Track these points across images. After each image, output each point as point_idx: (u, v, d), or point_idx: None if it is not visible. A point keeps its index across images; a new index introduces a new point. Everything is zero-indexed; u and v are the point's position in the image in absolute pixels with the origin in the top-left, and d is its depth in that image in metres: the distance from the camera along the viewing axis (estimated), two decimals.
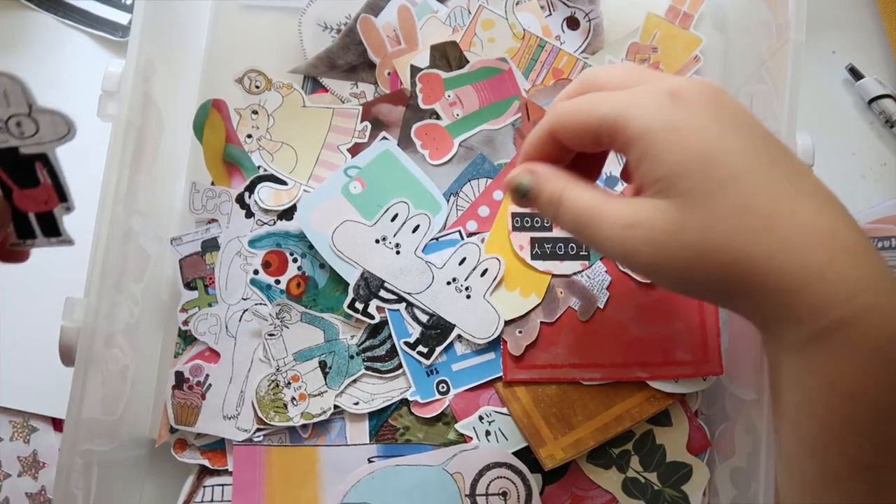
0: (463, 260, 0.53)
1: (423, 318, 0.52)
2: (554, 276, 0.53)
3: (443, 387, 0.52)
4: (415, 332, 0.52)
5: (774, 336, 0.32)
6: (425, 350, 0.52)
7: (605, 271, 0.52)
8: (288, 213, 0.55)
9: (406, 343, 0.52)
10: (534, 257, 0.53)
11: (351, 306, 0.52)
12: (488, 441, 0.51)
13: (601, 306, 0.52)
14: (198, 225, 0.56)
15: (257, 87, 0.57)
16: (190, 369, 0.53)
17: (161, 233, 0.55)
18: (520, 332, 0.52)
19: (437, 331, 0.52)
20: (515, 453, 0.51)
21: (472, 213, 0.55)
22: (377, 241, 0.53)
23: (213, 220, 0.55)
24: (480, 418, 0.52)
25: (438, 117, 0.56)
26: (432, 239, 0.53)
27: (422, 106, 0.57)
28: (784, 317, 0.31)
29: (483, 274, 0.52)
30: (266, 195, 0.55)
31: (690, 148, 0.31)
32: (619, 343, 0.51)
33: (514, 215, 0.54)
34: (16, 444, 0.58)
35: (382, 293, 0.52)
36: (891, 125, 0.61)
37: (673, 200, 0.32)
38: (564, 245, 0.53)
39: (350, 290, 0.52)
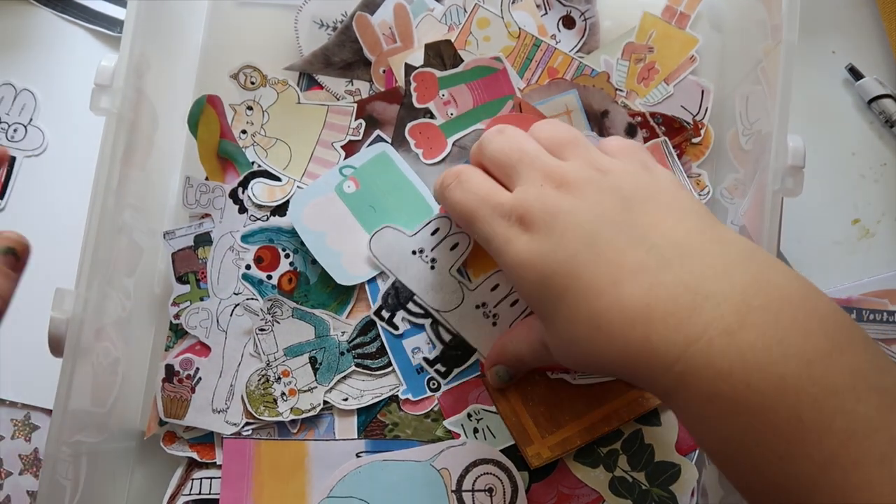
0: (496, 286, 0.52)
1: (446, 337, 0.52)
2: None
3: (433, 384, 0.52)
4: (436, 350, 0.52)
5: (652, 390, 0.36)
6: (443, 369, 0.52)
7: None
8: (281, 209, 0.55)
9: (425, 360, 0.52)
10: None
11: (377, 313, 0.52)
12: (476, 438, 0.51)
13: None
14: (191, 219, 0.56)
15: (252, 83, 0.57)
16: (180, 363, 0.53)
17: (154, 227, 0.56)
18: None
19: (458, 352, 0.52)
20: (503, 451, 0.51)
21: None
22: (413, 253, 0.53)
23: (207, 215, 0.55)
24: (469, 416, 0.52)
25: (432, 116, 0.57)
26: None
27: (416, 105, 0.57)
28: (645, 388, 0.37)
29: (513, 304, 0.52)
30: (260, 191, 0.55)
31: (530, 279, 0.38)
32: None
33: None
34: (17, 442, 0.59)
35: (410, 306, 0.52)
36: (891, 125, 0.60)
37: (542, 322, 0.41)
38: None
39: (379, 296, 0.52)
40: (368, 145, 0.56)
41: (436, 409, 0.52)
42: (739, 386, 0.30)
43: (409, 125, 0.56)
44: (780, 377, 0.30)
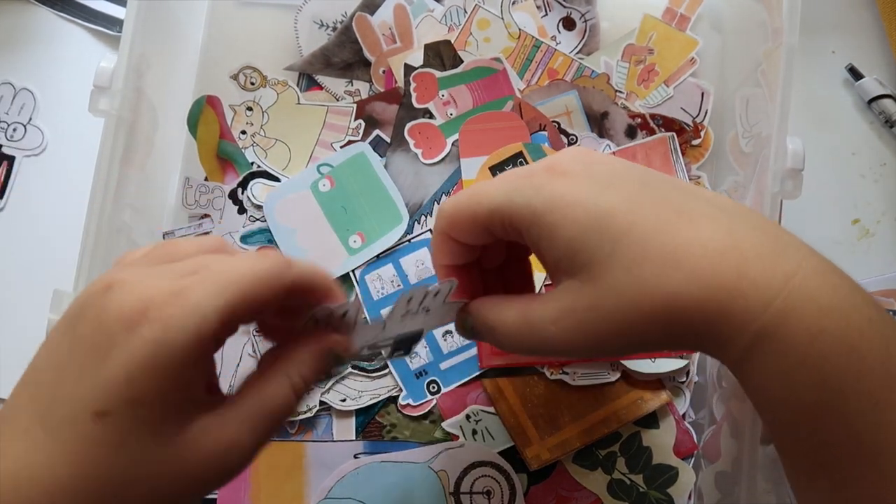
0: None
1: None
2: None
3: (433, 387, 0.52)
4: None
5: (719, 359, 0.32)
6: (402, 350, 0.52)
7: None
8: None
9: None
10: None
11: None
12: (475, 440, 0.51)
13: None
14: (190, 220, 0.56)
15: (252, 83, 0.57)
16: None
17: (154, 227, 0.56)
18: None
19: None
20: (501, 453, 0.51)
21: None
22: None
23: (206, 216, 0.55)
24: (468, 417, 0.52)
25: (432, 116, 0.57)
26: (380, 253, 0.54)
27: (415, 105, 0.57)
28: (715, 343, 0.30)
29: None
30: (259, 191, 0.55)
31: (577, 219, 0.31)
32: None
33: None
34: None
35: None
36: (891, 125, 0.60)
37: (579, 276, 0.31)
38: None
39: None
40: (342, 147, 0.57)
41: (434, 409, 0.52)
42: (841, 323, 0.29)
43: (408, 125, 0.56)
44: (869, 319, 0.29)
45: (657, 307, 0.30)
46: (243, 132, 0.57)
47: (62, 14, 0.62)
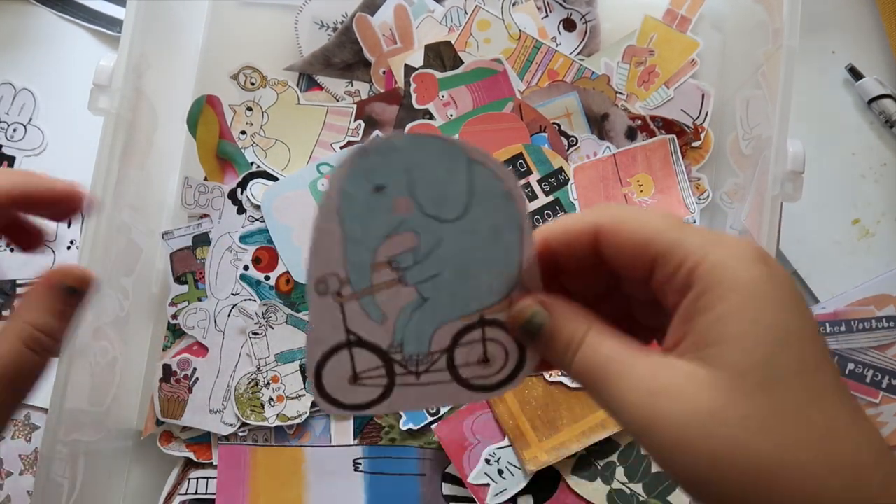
0: None
1: None
2: None
3: (432, 409, 0.52)
4: None
5: None
6: None
7: None
8: None
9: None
10: None
11: None
12: (504, 479, 0.51)
13: None
14: (189, 220, 0.56)
15: (252, 83, 0.57)
16: (178, 363, 0.53)
17: (153, 227, 0.56)
18: None
19: None
20: (528, 488, 0.51)
21: None
22: None
23: (205, 216, 0.55)
24: (487, 461, 0.51)
25: (432, 117, 0.57)
26: None
27: (415, 105, 0.57)
28: None
29: None
30: (258, 191, 0.55)
31: (771, 320, 0.25)
32: None
33: None
34: (17, 442, 0.59)
35: None
36: (891, 125, 0.60)
37: (722, 376, 0.25)
38: (541, 216, 0.54)
39: None
40: (342, 147, 0.57)
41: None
42: None
43: (408, 126, 0.56)
44: None
45: (769, 473, 0.25)
46: (243, 132, 0.57)
47: (62, 14, 0.62)
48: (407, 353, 0.29)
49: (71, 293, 0.30)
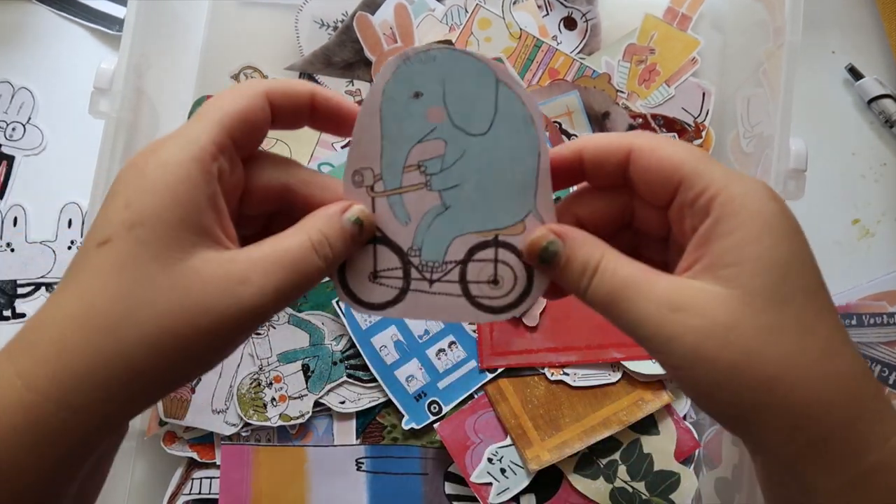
0: None
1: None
2: None
3: (434, 407, 0.52)
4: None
5: (802, 483, 0.29)
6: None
7: None
8: None
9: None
10: None
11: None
12: (506, 478, 0.51)
13: None
14: None
15: None
16: None
17: None
18: None
19: None
20: (531, 487, 0.51)
21: None
22: None
23: None
24: (489, 460, 0.51)
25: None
26: None
27: None
28: (813, 459, 0.28)
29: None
30: None
31: (782, 248, 0.28)
32: (593, 325, 0.52)
33: None
34: None
35: None
36: (891, 125, 0.60)
37: (737, 294, 0.27)
38: None
39: None
40: (342, 147, 0.57)
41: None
42: None
43: None
44: None
45: (783, 383, 0.27)
46: None
47: (62, 13, 0.62)
48: (424, 259, 0.31)
49: (357, 223, 0.31)
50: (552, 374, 0.52)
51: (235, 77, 0.56)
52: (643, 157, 0.30)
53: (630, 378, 0.52)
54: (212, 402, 0.52)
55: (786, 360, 0.27)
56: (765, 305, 0.27)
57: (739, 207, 0.28)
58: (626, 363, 0.52)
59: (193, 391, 0.53)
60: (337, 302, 0.53)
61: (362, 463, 0.51)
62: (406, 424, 0.52)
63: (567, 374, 0.52)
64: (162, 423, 0.53)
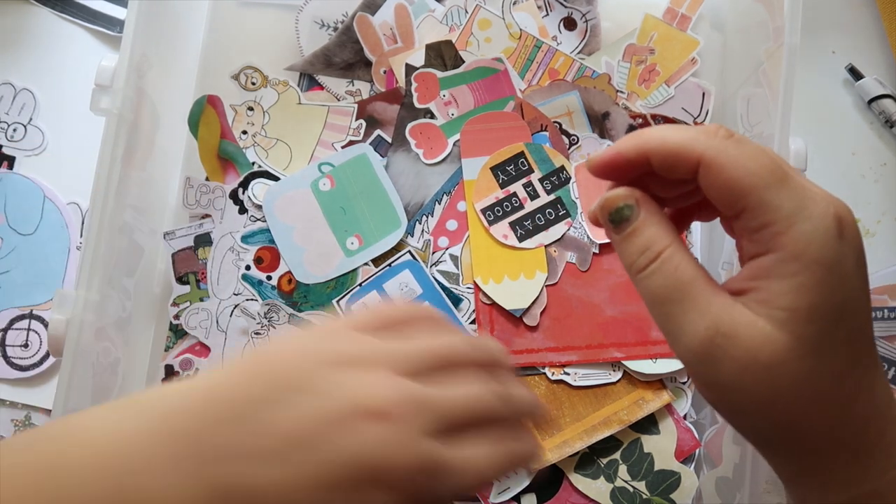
0: None
1: None
2: (546, 246, 0.54)
3: None
4: None
5: (797, 496, 0.31)
6: None
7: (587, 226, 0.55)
8: None
9: None
10: (521, 239, 0.54)
11: None
12: (507, 477, 0.51)
13: (596, 251, 0.54)
14: (191, 220, 0.56)
15: (253, 83, 0.57)
16: (180, 363, 0.53)
17: (155, 227, 0.56)
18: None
19: None
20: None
21: (440, 230, 0.55)
22: None
23: (207, 216, 0.55)
24: None
25: (433, 116, 0.57)
26: (386, 265, 0.54)
27: (417, 105, 0.57)
28: (814, 482, 0.30)
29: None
30: (260, 191, 0.55)
31: (837, 296, 0.28)
32: (594, 325, 0.52)
33: (483, 211, 0.54)
34: None
35: None
36: (891, 125, 0.60)
37: (786, 338, 0.28)
38: (543, 215, 0.54)
39: None
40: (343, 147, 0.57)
41: None
42: None
43: (409, 125, 0.56)
44: None
45: (808, 421, 0.29)
46: (244, 132, 0.57)
47: (62, 14, 0.62)
48: None
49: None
50: (553, 373, 0.52)
51: (236, 77, 0.57)
52: (710, 174, 0.29)
53: (630, 378, 0.52)
54: None
55: (810, 405, 0.28)
56: (807, 352, 0.28)
57: (802, 251, 0.28)
58: (626, 363, 0.52)
59: None
60: (338, 301, 0.53)
61: None
62: None
63: (567, 374, 0.52)
64: None
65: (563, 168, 0.55)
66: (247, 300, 0.53)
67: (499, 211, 0.54)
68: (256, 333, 0.53)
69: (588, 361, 0.52)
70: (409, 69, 0.57)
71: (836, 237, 0.28)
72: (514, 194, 0.55)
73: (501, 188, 0.55)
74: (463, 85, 0.57)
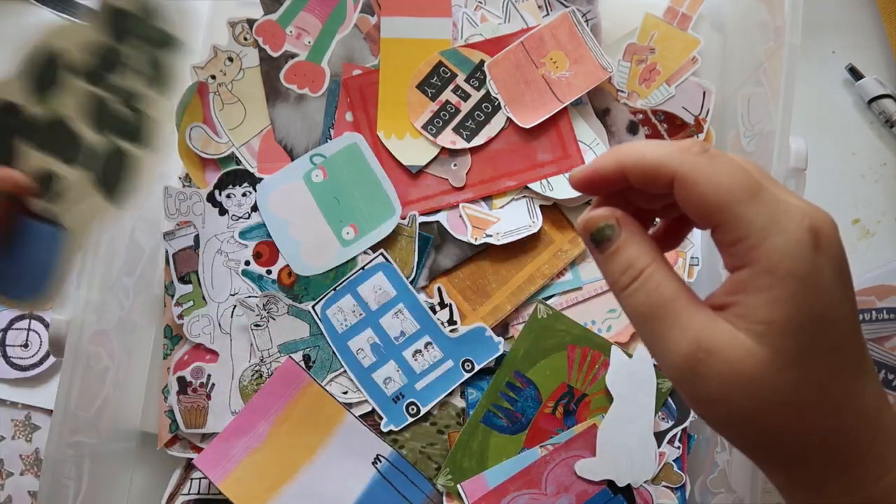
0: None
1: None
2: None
3: (413, 408, 0.52)
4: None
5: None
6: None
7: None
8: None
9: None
10: (469, 140, 0.55)
11: None
12: None
13: None
14: (178, 227, 0.56)
15: (245, 39, 0.57)
16: (191, 372, 0.53)
17: (156, 227, 0.55)
18: (455, 164, 0.55)
19: None
20: None
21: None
22: None
23: (187, 222, 0.55)
24: None
25: (294, 56, 0.57)
26: (359, 268, 0.54)
27: (273, 55, 0.57)
28: (807, 490, 0.30)
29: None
30: (197, 136, 0.56)
31: (815, 308, 0.28)
32: (484, 162, 0.55)
33: (423, 127, 0.56)
34: (18, 442, 0.59)
35: None
36: (891, 125, 0.60)
37: (766, 351, 0.28)
38: (480, 110, 0.56)
39: None
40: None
41: (433, 410, 0.53)
42: None
43: (281, 75, 0.56)
44: None
45: (800, 431, 0.29)
46: (213, 76, 0.56)
47: (62, 14, 0.62)
48: None
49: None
50: (475, 238, 0.53)
51: (233, 25, 0.56)
52: (684, 191, 0.29)
53: (546, 231, 0.54)
54: (229, 403, 0.53)
55: (794, 415, 0.29)
56: (789, 363, 0.28)
57: (777, 263, 0.28)
58: (550, 194, 0.54)
59: (209, 397, 0.53)
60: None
61: (380, 461, 0.51)
62: (385, 427, 0.52)
63: (490, 236, 0.53)
64: (178, 437, 0.53)
65: (482, 62, 0.56)
66: (247, 297, 0.53)
67: (438, 122, 0.55)
68: (256, 326, 0.53)
69: (484, 195, 0.55)
70: (250, 24, 0.57)
71: (811, 249, 0.28)
72: (447, 102, 0.56)
73: (433, 100, 0.56)
74: (300, 12, 0.57)
